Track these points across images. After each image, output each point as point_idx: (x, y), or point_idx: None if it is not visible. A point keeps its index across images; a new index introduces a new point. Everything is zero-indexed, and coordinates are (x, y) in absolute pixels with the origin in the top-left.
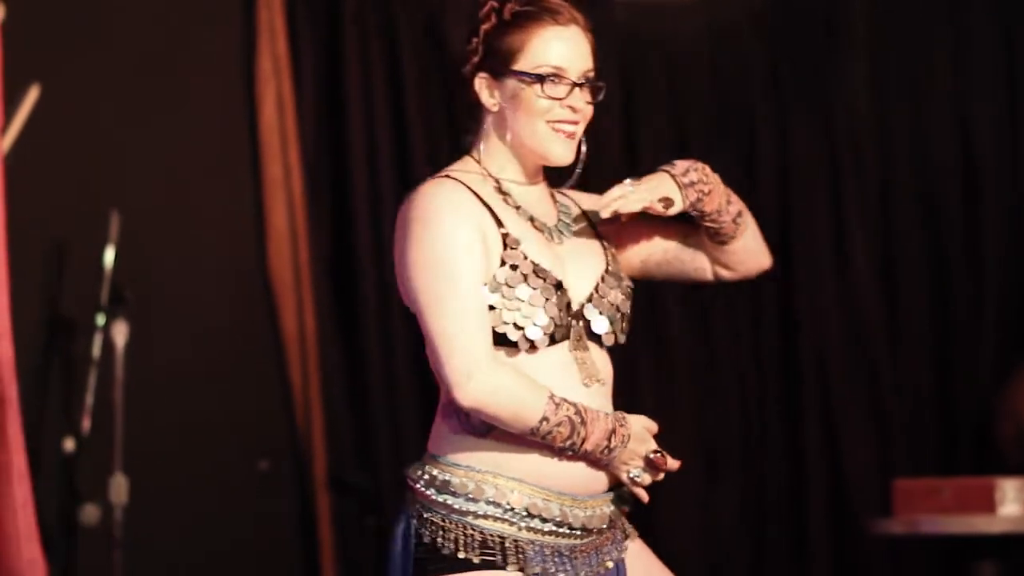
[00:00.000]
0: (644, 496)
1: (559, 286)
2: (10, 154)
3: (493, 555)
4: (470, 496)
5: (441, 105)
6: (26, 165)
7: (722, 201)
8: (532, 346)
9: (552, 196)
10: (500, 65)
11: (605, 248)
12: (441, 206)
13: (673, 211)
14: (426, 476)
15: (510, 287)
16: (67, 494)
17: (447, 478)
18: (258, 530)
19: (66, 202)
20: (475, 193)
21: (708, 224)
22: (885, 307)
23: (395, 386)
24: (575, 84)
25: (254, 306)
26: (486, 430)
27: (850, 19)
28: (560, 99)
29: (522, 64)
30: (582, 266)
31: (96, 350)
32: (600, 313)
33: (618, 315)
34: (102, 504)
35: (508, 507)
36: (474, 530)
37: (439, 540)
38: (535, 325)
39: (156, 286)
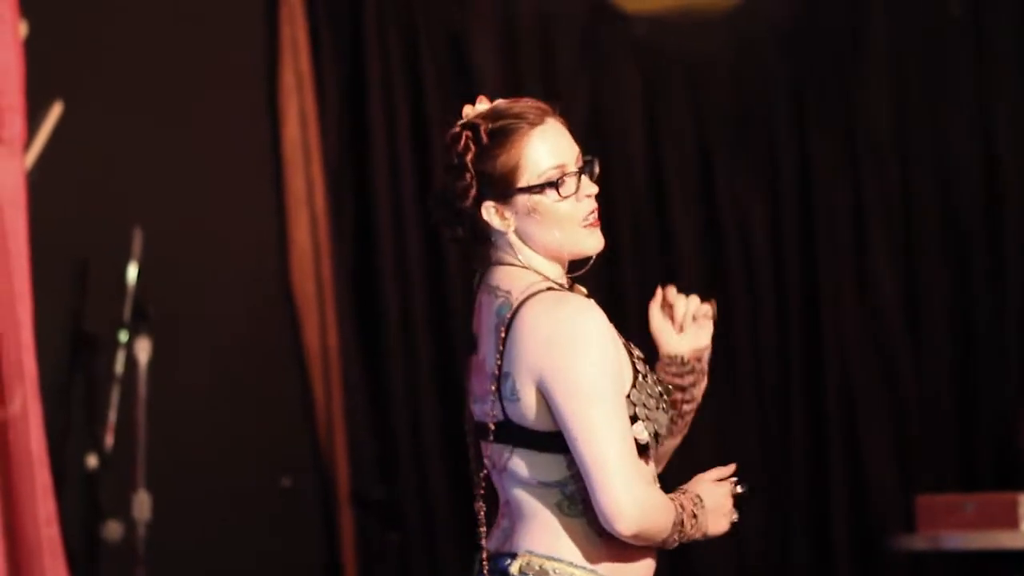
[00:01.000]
0: None
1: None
2: (33, 171)
3: None
4: None
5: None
6: (49, 182)
7: (701, 392)
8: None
9: None
10: (503, 188)
11: None
12: (595, 331)
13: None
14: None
15: (649, 396)
16: (90, 511)
17: None
18: (281, 546)
19: (89, 219)
20: None
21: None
22: (907, 319)
23: (418, 401)
24: (579, 172)
25: (277, 322)
26: (602, 531)
27: (871, 32)
28: (575, 194)
29: (525, 179)
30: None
31: (119, 367)
32: None
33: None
34: (125, 521)
35: None
36: None
37: None
38: (664, 428)
39: (179, 302)
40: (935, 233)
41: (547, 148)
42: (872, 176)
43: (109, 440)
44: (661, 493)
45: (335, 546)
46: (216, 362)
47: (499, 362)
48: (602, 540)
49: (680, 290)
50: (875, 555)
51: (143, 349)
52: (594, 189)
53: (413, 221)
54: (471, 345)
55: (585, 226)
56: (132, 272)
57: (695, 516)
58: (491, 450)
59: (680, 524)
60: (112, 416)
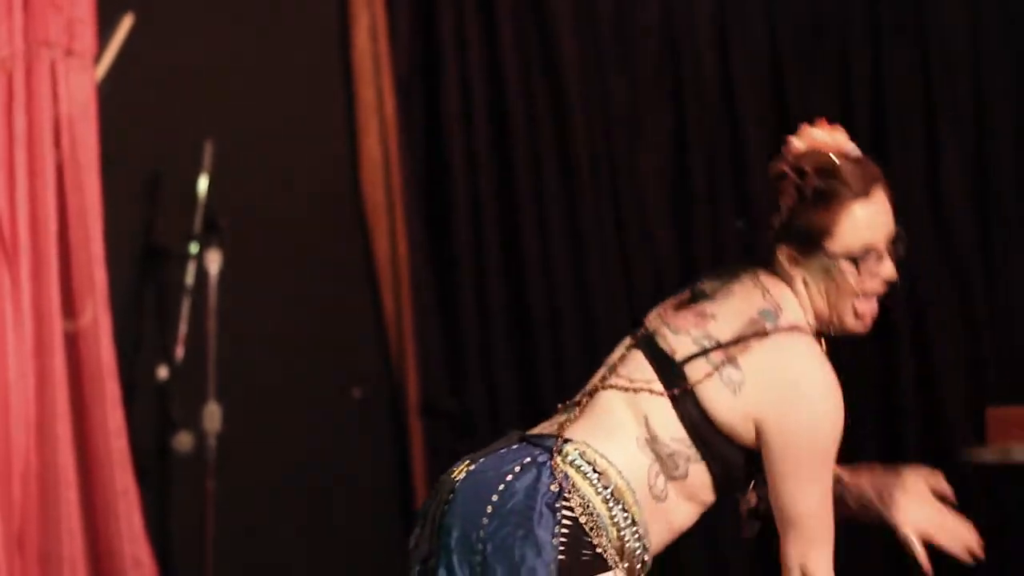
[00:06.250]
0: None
1: None
2: (104, 84)
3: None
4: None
5: (534, 27)
6: (120, 95)
7: None
8: None
9: None
10: (807, 244)
11: None
12: (837, 409)
13: None
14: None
15: None
16: (161, 422)
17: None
18: (351, 456)
19: (160, 131)
20: None
21: None
22: (979, 234)
23: (487, 311)
24: (883, 253)
25: (347, 232)
26: (664, 497)
27: None
28: (875, 273)
29: (832, 245)
30: None
31: (190, 278)
32: None
33: None
34: (195, 432)
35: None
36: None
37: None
38: None
39: (249, 214)
40: (1008, 146)
41: (863, 223)
42: (946, 89)
43: (179, 352)
44: None
45: (405, 456)
46: (286, 273)
47: (731, 348)
48: (648, 489)
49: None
50: (945, 467)
51: (214, 261)
52: (892, 276)
53: (483, 131)
54: (690, 289)
55: (860, 313)
56: (203, 184)
57: None
58: (640, 366)
59: None
60: (183, 328)
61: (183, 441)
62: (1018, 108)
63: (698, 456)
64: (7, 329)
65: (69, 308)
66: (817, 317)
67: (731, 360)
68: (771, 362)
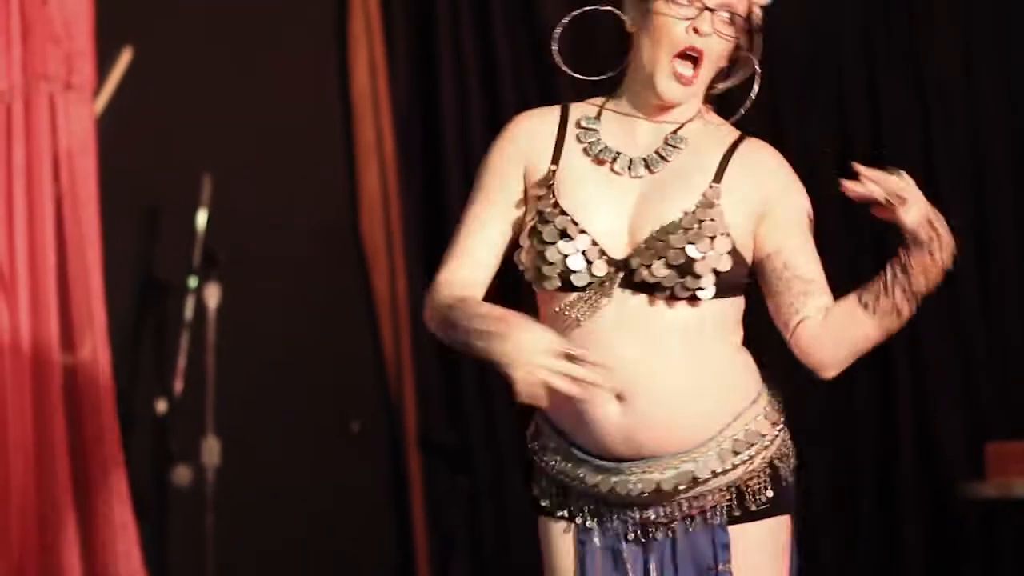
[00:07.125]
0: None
1: (585, 234)
2: (103, 118)
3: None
4: (537, 441)
5: (532, 65)
6: (119, 129)
7: (929, 280)
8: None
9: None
10: None
11: (711, 190)
12: (509, 127)
13: (904, 216)
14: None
15: (536, 230)
16: (159, 456)
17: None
18: (349, 491)
19: (159, 165)
20: (565, 121)
21: (891, 280)
22: (976, 265)
23: None
24: (707, 8)
25: (346, 268)
26: None
27: None
28: (686, 18)
29: None
30: (655, 207)
31: (188, 312)
32: (649, 265)
33: (684, 263)
34: (194, 466)
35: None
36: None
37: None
38: (548, 271)
39: (248, 249)
40: (1005, 176)
41: None
42: (942, 117)
43: (178, 386)
44: (468, 299)
45: (403, 490)
46: (285, 308)
47: None
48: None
49: None
50: (944, 502)
51: (212, 295)
52: (709, 31)
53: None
54: None
55: (674, 69)
56: (202, 219)
57: (482, 322)
58: None
59: (464, 324)
60: (181, 362)
61: (182, 475)
62: (1013, 139)
63: None
64: (5, 362)
65: (68, 341)
66: (640, 81)
67: None
68: None
